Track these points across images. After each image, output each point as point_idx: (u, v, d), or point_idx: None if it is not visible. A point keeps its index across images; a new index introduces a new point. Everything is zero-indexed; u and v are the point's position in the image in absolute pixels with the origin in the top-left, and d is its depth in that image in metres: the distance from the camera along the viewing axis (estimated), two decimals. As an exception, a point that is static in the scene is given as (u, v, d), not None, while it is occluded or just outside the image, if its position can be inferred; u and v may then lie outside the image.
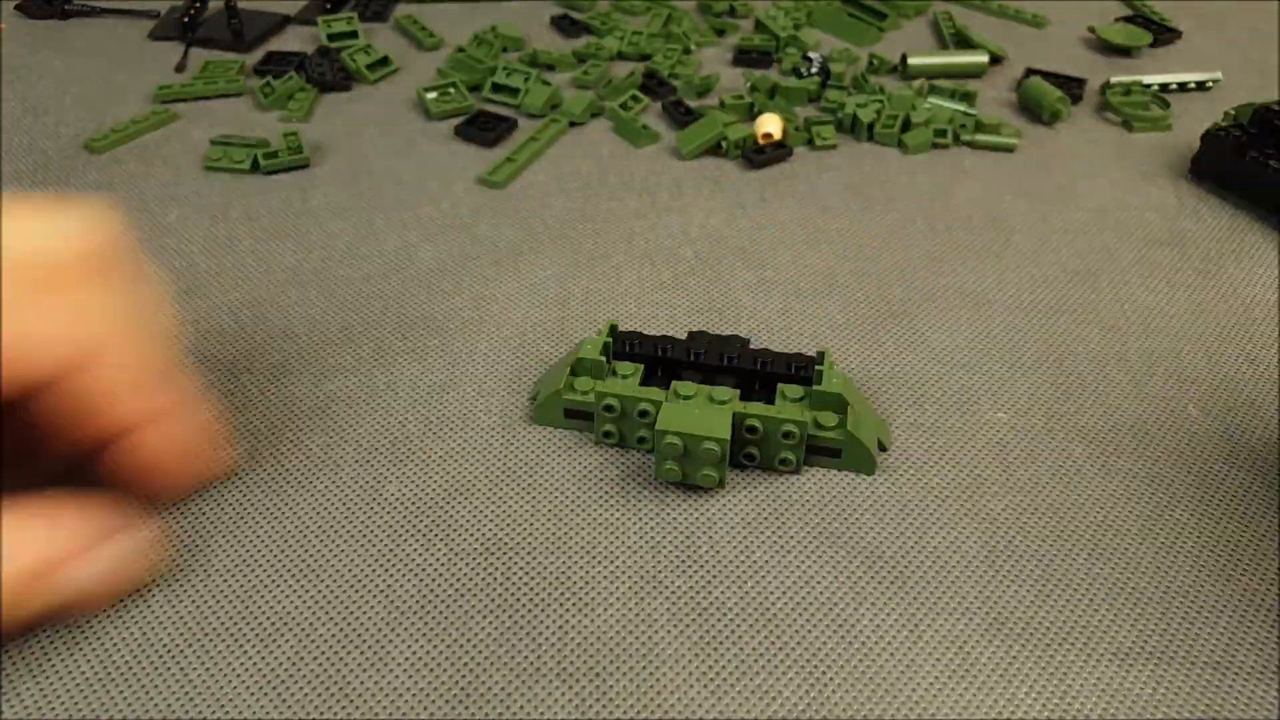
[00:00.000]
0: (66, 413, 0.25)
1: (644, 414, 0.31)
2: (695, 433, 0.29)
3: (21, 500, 0.24)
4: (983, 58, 0.56)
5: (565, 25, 0.60)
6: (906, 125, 0.49)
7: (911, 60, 0.55)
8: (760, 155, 0.47)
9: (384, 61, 0.55)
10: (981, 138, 0.49)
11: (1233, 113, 0.46)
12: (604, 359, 0.32)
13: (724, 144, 0.47)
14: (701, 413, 0.30)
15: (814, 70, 0.53)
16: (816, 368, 0.31)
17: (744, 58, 0.56)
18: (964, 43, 0.58)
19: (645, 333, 0.34)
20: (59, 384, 0.24)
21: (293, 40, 0.59)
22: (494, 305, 0.38)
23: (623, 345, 0.33)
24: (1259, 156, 0.44)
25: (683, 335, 0.36)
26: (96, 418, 0.25)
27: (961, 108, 0.51)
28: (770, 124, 0.47)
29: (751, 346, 0.34)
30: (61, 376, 0.24)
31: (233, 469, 0.30)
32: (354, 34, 0.56)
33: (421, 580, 0.28)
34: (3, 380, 0.23)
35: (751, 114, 0.51)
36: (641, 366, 0.32)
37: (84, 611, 0.26)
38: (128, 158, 0.47)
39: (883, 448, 0.32)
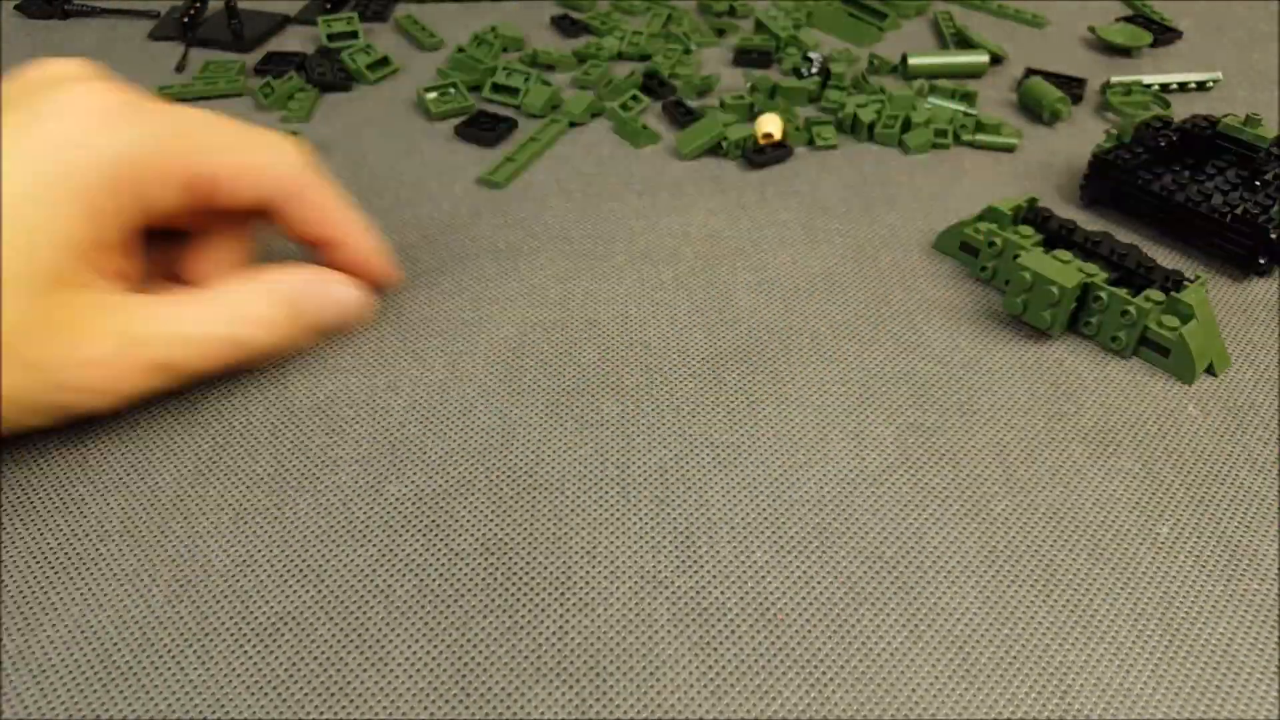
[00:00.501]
0: (303, 218, 0.34)
1: (1016, 255, 0.36)
2: (1044, 273, 0.35)
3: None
4: (983, 58, 0.55)
5: (565, 25, 0.60)
6: (907, 125, 0.49)
7: (912, 60, 0.55)
8: (760, 155, 0.47)
9: (384, 61, 0.55)
10: (982, 138, 0.49)
11: (1115, 133, 0.45)
12: (1010, 215, 0.39)
13: (724, 144, 0.47)
14: (1058, 264, 0.35)
15: (814, 70, 0.53)
16: (1186, 282, 0.36)
17: (744, 58, 0.56)
18: (964, 43, 0.58)
19: (1058, 215, 0.39)
20: (292, 200, 0.33)
21: (293, 40, 0.59)
22: (494, 305, 0.38)
23: (1035, 216, 0.40)
24: (1150, 178, 0.42)
25: (682, 335, 0.36)
26: (322, 225, 0.34)
27: (962, 108, 0.51)
28: (770, 124, 0.47)
29: (1146, 264, 0.38)
30: (291, 194, 0.33)
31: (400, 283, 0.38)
32: (354, 34, 0.56)
33: (421, 580, 0.28)
34: (275, 182, 0.33)
35: (752, 114, 0.51)
36: (1041, 236, 0.38)
37: (344, 328, 0.36)
38: (128, 158, 0.47)
39: (1213, 372, 0.35)
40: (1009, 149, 0.49)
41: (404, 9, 0.62)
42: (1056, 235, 0.39)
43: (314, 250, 0.35)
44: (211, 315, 0.31)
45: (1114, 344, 0.36)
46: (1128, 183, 0.43)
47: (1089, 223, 0.44)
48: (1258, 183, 0.42)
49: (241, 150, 0.32)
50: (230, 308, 0.31)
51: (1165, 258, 0.42)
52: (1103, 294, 0.35)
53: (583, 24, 0.60)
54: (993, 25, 0.62)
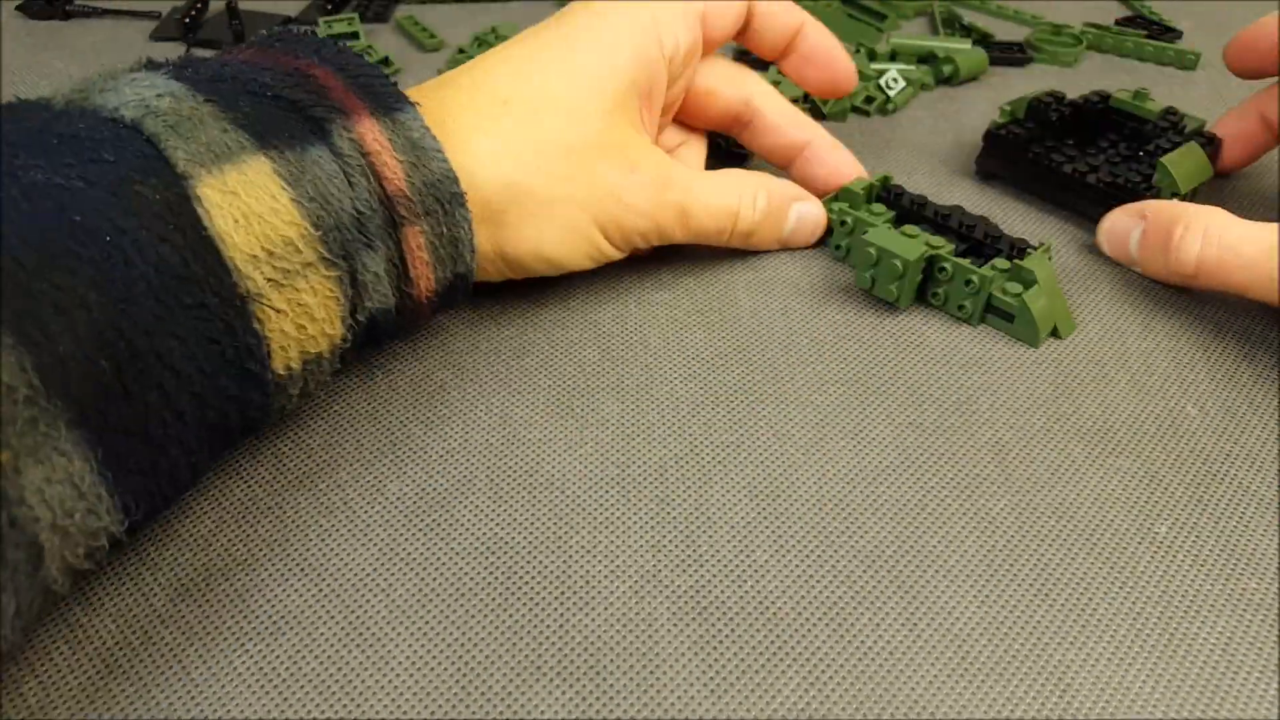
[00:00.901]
0: (763, 26, 0.39)
1: (865, 232, 0.37)
2: (888, 248, 0.36)
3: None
4: (965, 44, 0.56)
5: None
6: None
7: (893, 40, 0.56)
8: (741, 149, 0.47)
9: (385, 62, 0.55)
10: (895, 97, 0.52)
11: (1009, 108, 0.46)
12: (863, 194, 0.41)
13: (722, 143, 0.47)
14: (903, 239, 0.37)
15: None
16: (1030, 250, 0.37)
17: (743, 58, 0.56)
18: (955, 30, 0.59)
19: (908, 191, 0.41)
20: (756, 115, 0.41)
21: (293, 41, 0.59)
22: (494, 305, 0.38)
23: (888, 194, 0.41)
24: (1042, 152, 0.43)
25: (682, 334, 0.36)
26: (778, 18, 0.39)
27: (919, 74, 0.54)
28: None
29: (994, 234, 0.39)
30: (754, 109, 0.40)
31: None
32: (355, 35, 0.56)
33: (422, 579, 0.28)
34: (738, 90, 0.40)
35: None
36: (893, 213, 0.40)
37: (801, 242, 0.40)
38: (128, 158, 0.47)
39: (1058, 335, 0.37)
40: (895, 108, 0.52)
41: (404, 9, 0.62)
42: (908, 211, 0.41)
43: (787, 54, 0.41)
44: (719, 183, 0.37)
45: (960, 312, 0.37)
46: (1021, 156, 0.44)
47: (984, 196, 0.45)
48: (1142, 153, 0.43)
49: (721, 61, 0.41)
50: (734, 183, 0.38)
51: (1057, 229, 0.43)
52: (947, 265, 0.36)
53: None
54: (992, 26, 0.62)
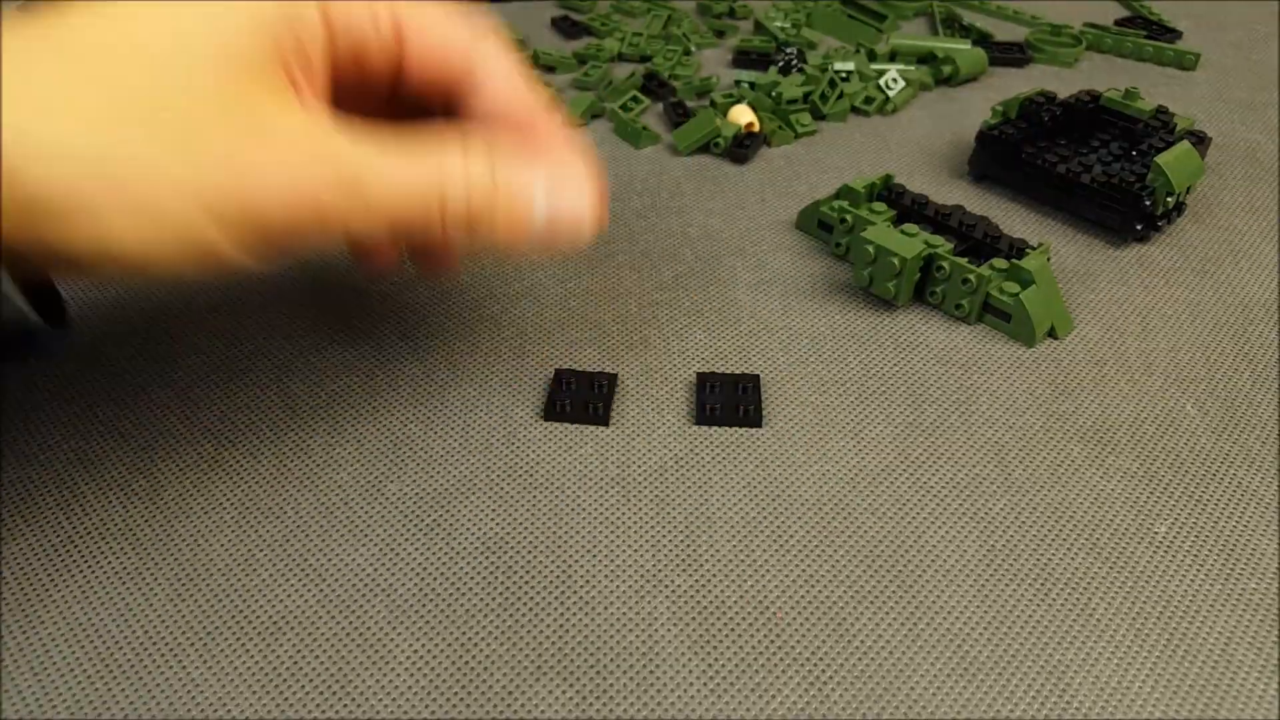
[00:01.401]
0: (479, 107, 0.29)
1: (864, 230, 0.37)
2: (886, 246, 0.35)
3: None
4: (964, 44, 0.56)
5: (565, 26, 0.60)
6: (826, 99, 0.51)
7: (894, 40, 0.56)
8: (742, 149, 0.47)
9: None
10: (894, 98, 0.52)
11: (1001, 109, 0.46)
12: (864, 192, 0.40)
13: (720, 140, 0.47)
14: (901, 237, 0.36)
15: (788, 62, 0.54)
16: (1029, 250, 0.37)
17: (743, 59, 0.56)
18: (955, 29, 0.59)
19: (908, 189, 0.41)
20: (469, 80, 0.29)
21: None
22: (494, 305, 0.38)
23: (889, 192, 0.41)
24: (1034, 152, 0.44)
25: (682, 334, 0.36)
26: (518, 97, 0.29)
27: (920, 74, 0.54)
28: (744, 114, 0.48)
29: (993, 234, 0.39)
30: (469, 70, 0.29)
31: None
32: None
33: (422, 579, 0.28)
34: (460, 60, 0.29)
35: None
36: (893, 211, 0.39)
37: (568, 231, 0.28)
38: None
39: (1055, 335, 0.36)
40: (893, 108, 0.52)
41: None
42: (909, 210, 0.40)
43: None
44: (415, 148, 0.26)
45: (958, 311, 0.37)
46: (1013, 156, 0.44)
47: (982, 196, 0.45)
48: (1135, 153, 0.43)
49: (438, 8, 0.29)
50: (437, 145, 0.27)
51: (1050, 229, 0.43)
52: (945, 264, 0.36)
53: (583, 25, 0.60)
54: (992, 26, 0.62)
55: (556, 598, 0.27)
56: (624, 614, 0.27)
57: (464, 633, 0.26)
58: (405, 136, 0.27)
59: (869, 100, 0.52)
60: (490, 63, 0.29)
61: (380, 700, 0.25)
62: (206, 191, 0.24)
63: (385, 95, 0.29)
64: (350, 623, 0.27)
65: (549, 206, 0.28)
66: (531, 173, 0.27)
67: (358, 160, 0.26)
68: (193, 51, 0.24)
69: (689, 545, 0.29)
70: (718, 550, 0.29)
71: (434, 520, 0.29)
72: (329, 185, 0.25)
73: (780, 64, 0.54)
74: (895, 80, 0.52)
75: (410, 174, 0.26)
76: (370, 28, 0.27)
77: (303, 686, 0.25)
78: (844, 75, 0.52)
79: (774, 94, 0.50)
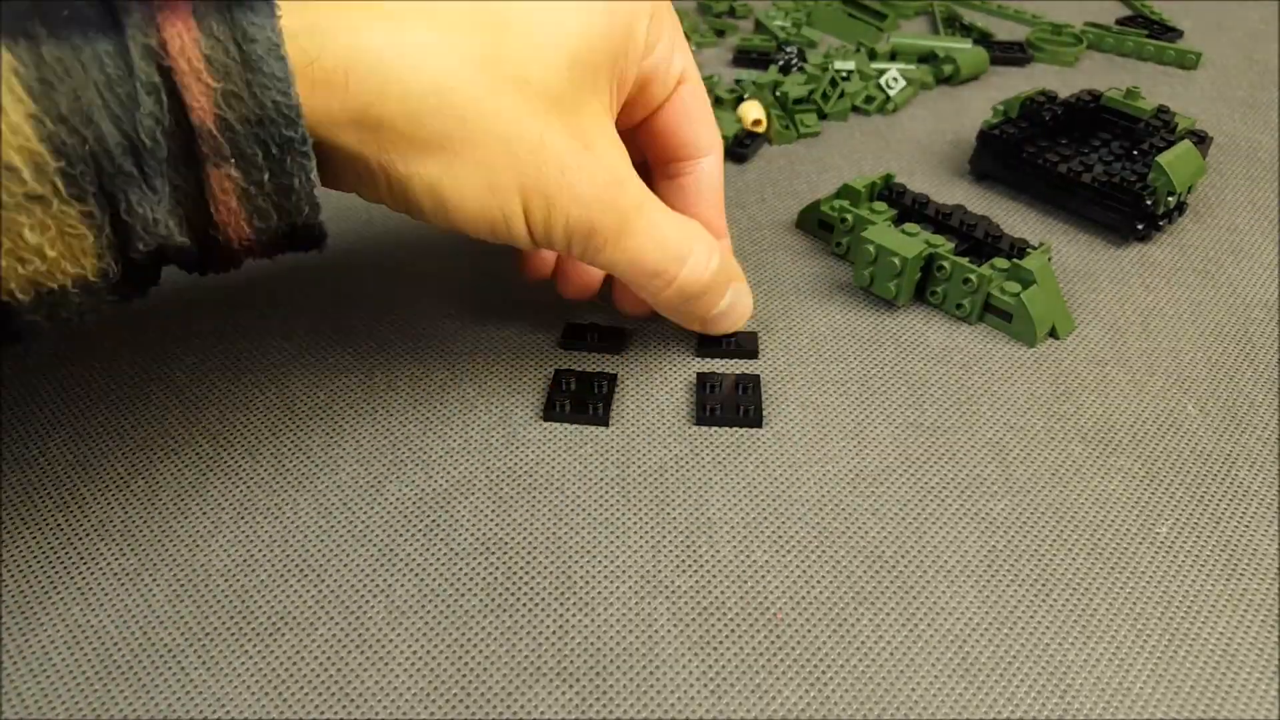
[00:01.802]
0: (680, 119, 0.33)
1: (865, 229, 0.37)
2: (886, 246, 0.35)
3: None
4: (965, 44, 0.56)
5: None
6: (828, 98, 0.51)
7: (895, 40, 0.56)
8: (743, 148, 0.47)
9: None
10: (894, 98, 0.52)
11: (1002, 108, 0.46)
12: (865, 192, 0.41)
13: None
14: (902, 237, 0.36)
15: (789, 60, 0.54)
16: (1030, 250, 0.37)
17: (743, 58, 0.56)
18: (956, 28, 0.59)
19: (909, 189, 0.41)
20: (679, 91, 0.32)
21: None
22: (494, 305, 0.38)
23: (890, 191, 0.41)
24: (1035, 152, 0.44)
25: (682, 334, 0.36)
26: (695, 124, 0.33)
27: (920, 73, 0.54)
28: (755, 110, 0.48)
29: (994, 234, 0.39)
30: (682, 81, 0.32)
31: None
32: None
33: (421, 579, 0.28)
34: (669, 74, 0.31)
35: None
36: (894, 211, 0.40)
37: (730, 325, 0.34)
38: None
39: (1056, 335, 0.36)
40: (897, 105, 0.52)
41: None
42: (910, 209, 0.40)
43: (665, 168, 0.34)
44: (676, 218, 0.30)
45: (959, 311, 0.37)
46: (1014, 156, 0.44)
47: (983, 196, 0.45)
48: (1136, 152, 0.43)
49: (669, 22, 0.31)
50: (691, 227, 0.31)
51: (1051, 228, 0.43)
52: (946, 263, 0.36)
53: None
54: (992, 26, 0.62)
55: (556, 598, 0.27)
56: (624, 615, 0.27)
57: (463, 633, 0.26)
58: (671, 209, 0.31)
59: (869, 99, 0.52)
60: (712, 155, 0.33)
61: (379, 701, 0.25)
62: (532, 180, 0.26)
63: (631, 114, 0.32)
64: (349, 623, 0.27)
65: (729, 305, 0.33)
66: (730, 276, 0.33)
67: (642, 205, 0.29)
68: (561, 45, 0.26)
69: (689, 545, 0.29)
70: (718, 550, 0.29)
71: (433, 521, 0.29)
72: (614, 212, 0.28)
73: (780, 63, 0.54)
74: (896, 79, 0.52)
75: (673, 237, 0.30)
76: (665, 71, 0.31)
77: (301, 687, 0.25)
78: (844, 74, 0.52)
79: (779, 93, 0.50)
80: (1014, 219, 0.44)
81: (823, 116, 0.51)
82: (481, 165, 0.26)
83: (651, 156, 0.34)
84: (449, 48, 0.25)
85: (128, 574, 0.28)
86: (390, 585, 0.28)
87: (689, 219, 0.31)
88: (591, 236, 0.28)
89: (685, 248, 0.30)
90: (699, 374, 0.34)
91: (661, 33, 0.30)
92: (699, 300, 0.32)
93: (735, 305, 0.34)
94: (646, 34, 0.29)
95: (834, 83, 0.51)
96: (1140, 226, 0.41)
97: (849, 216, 0.40)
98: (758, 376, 0.34)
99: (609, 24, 0.27)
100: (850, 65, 0.53)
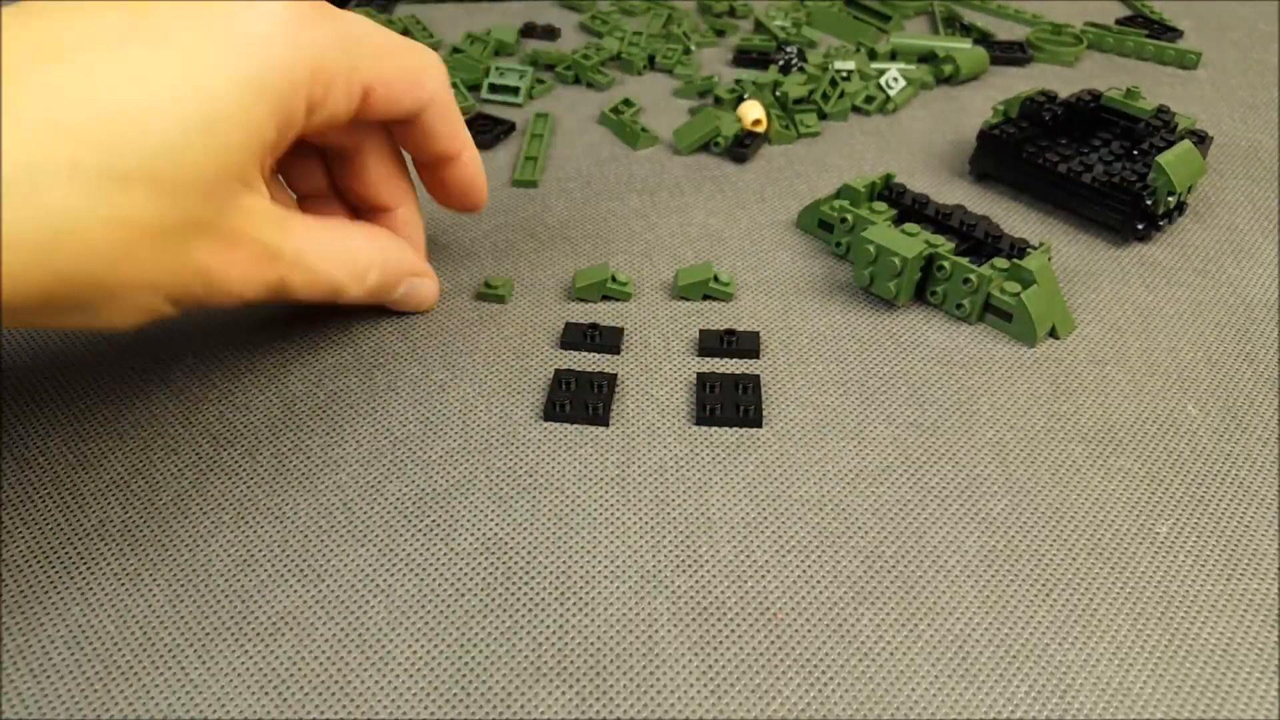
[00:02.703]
0: (437, 131, 0.34)
1: (865, 229, 0.37)
2: (887, 245, 0.35)
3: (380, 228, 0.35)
4: (965, 44, 0.56)
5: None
6: (828, 98, 0.51)
7: (894, 40, 0.56)
8: (743, 149, 0.47)
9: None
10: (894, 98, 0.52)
11: (1002, 108, 0.46)
12: (865, 192, 0.41)
13: (720, 140, 0.47)
14: (902, 237, 0.36)
15: (788, 60, 0.53)
16: (1030, 249, 0.37)
17: (743, 58, 0.56)
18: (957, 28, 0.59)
19: (909, 188, 0.41)
20: (435, 109, 0.33)
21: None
22: (494, 305, 0.38)
23: (890, 191, 0.41)
24: (1036, 151, 0.44)
25: (682, 334, 0.36)
26: (451, 139, 0.34)
27: (920, 72, 0.54)
28: (756, 110, 0.48)
29: (994, 234, 0.39)
30: (438, 103, 0.33)
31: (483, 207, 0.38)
32: None
33: (421, 579, 0.28)
34: (412, 98, 0.32)
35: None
36: (894, 211, 0.40)
37: (407, 309, 0.37)
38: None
39: (1056, 335, 0.36)
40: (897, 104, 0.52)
41: (405, 9, 0.62)
42: (910, 209, 0.40)
43: (430, 167, 0.35)
44: (332, 251, 0.31)
45: (959, 311, 0.37)
46: (1014, 156, 0.44)
47: (983, 196, 0.45)
48: (1136, 152, 0.43)
49: (403, 55, 0.31)
50: (349, 251, 0.32)
51: (1051, 228, 0.43)
52: (946, 263, 0.36)
53: (584, 25, 0.60)
54: (993, 26, 0.62)
55: (556, 598, 0.27)
56: (624, 614, 0.27)
57: (464, 633, 0.26)
58: (333, 227, 0.32)
59: (870, 99, 0.52)
60: (433, 111, 0.33)
61: (379, 701, 0.25)
62: (178, 293, 0.27)
63: (357, 123, 0.33)
64: (349, 623, 0.27)
65: (404, 294, 0.36)
66: (402, 275, 0.35)
67: (296, 260, 0.29)
68: (192, 158, 0.25)
69: (689, 545, 0.29)
70: (718, 550, 0.29)
71: (433, 520, 0.29)
72: (267, 285, 0.29)
73: (780, 63, 0.54)
74: (896, 79, 0.52)
75: (325, 272, 0.31)
76: (345, 106, 0.30)
77: (301, 687, 0.25)
78: (844, 74, 0.52)
79: (779, 93, 0.50)
80: (1014, 219, 0.44)
81: (823, 116, 0.51)
82: (119, 304, 0.26)
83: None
84: (95, 197, 0.23)
85: (127, 574, 0.28)
86: (390, 585, 0.28)
87: (350, 238, 0.32)
88: (248, 302, 0.29)
89: (339, 277, 0.32)
90: (699, 374, 0.34)
91: (327, 94, 0.29)
92: (360, 301, 0.34)
93: (410, 295, 0.36)
94: (306, 104, 0.28)
95: (834, 82, 0.51)
96: (1140, 226, 0.41)
97: (849, 216, 0.40)
98: (758, 376, 0.34)
99: (266, 106, 0.26)
100: (850, 65, 0.53)
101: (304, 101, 0.28)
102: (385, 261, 0.34)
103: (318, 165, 0.36)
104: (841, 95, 0.51)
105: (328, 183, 0.36)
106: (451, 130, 0.34)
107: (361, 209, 0.36)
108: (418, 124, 0.33)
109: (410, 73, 0.32)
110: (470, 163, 0.36)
